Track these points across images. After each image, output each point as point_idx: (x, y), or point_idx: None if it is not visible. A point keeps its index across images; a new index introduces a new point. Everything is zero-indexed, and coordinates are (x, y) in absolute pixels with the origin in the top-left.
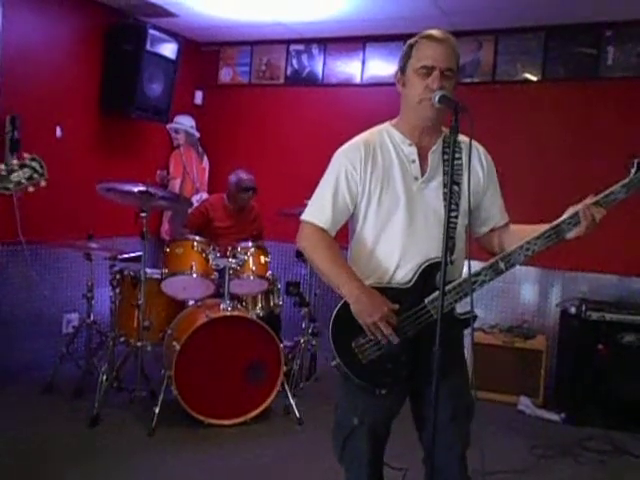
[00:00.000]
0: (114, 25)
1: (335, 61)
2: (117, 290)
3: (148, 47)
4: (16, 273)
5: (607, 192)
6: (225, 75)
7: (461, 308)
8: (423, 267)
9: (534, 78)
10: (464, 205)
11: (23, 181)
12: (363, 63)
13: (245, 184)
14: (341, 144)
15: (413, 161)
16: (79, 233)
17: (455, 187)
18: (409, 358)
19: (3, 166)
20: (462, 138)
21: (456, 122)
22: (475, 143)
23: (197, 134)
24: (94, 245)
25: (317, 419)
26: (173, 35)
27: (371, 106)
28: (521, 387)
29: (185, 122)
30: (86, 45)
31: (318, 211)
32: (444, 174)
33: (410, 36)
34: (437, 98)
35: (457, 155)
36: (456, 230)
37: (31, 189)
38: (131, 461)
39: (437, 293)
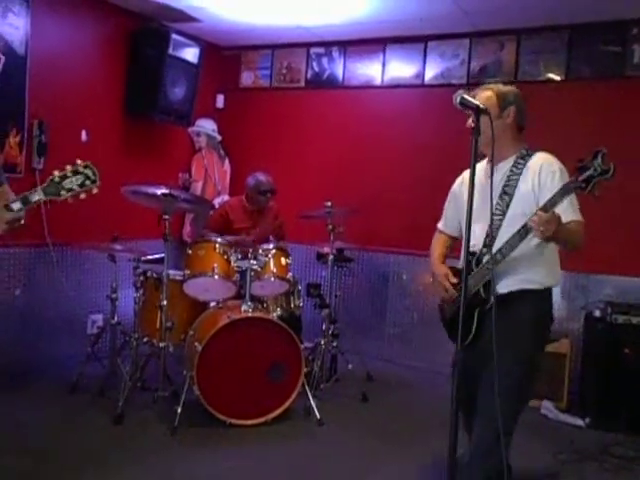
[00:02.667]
0: (138, 30)
1: (355, 63)
2: (140, 291)
3: (171, 51)
4: (43, 274)
5: (550, 197)
6: (246, 79)
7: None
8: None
9: (557, 78)
10: (510, 211)
11: (75, 188)
12: (383, 65)
13: (263, 186)
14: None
15: None
16: (104, 235)
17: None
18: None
19: (57, 172)
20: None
21: (477, 124)
22: (544, 158)
23: (219, 137)
24: (118, 247)
25: (337, 420)
26: (195, 39)
27: (392, 108)
28: (544, 391)
29: (207, 125)
30: (111, 50)
31: None
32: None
33: (431, 37)
34: (457, 100)
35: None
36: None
37: (83, 196)
38: (154, 459)
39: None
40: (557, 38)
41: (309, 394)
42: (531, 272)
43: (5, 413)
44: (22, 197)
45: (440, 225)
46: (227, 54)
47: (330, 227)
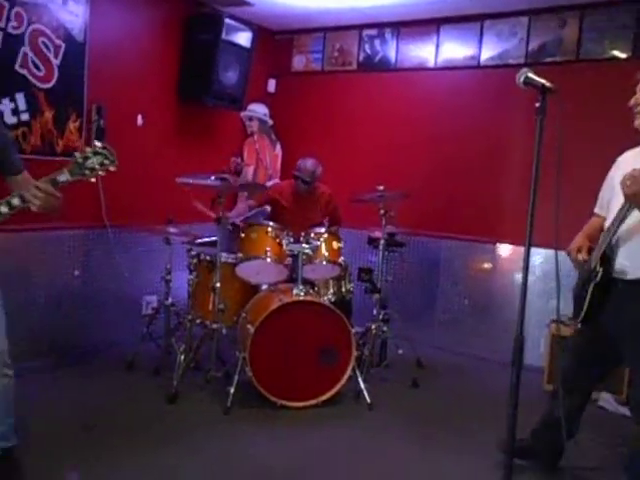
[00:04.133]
0: (192, 15)
1: (408, 45)
2: (194, 274)
3: (224, 36)
4: (100, 256)
5: None
6: (298, 62)
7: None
8: None
9: (623, 55)
10: None
11: (96, 167)
12: (437, 46)
13: (300, 173)
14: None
15: None
16: (159, 218)
17: None
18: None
19: (78, 154)
20: None
21: (543, 103)
22: None
23: (270, 121)
24: (173, 230)
25: (387, 405)
26: (248, 24)
27: (445, 90)
28: (603, 383)
29: (259, 110)
30: (165, 35)
31: None
32: None
33: (487, 16)
34: (522, 79)
35: None
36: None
37: (101, 173)
38: (207, 438)
39: None
40: (624, 13)
41: (359, 378)
42: None
43: (65, 390)
44: (50, 178)
45: (595, 208)
46: (279, 38)
47: (382, 211)
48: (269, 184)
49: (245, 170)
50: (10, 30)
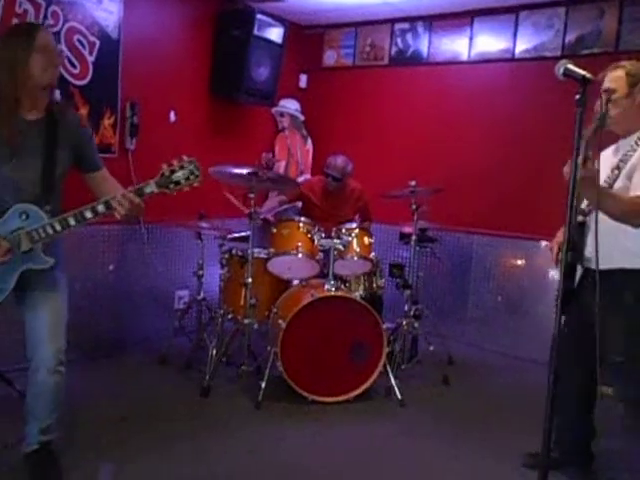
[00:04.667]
0: (224, 11)
1: (441, 38)
2: (226, 269)
3: (256, 32)
4: (134, 251)
5: None
6: (329, 58)
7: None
8: None
9: None
10: (616, 184)
11: (182, 181)
12: (471, 39)
13: (330, 170)
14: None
15: None
16: (191, 214)
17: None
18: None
19: (165, 166)
20: None
21: (583, 95)
22: None
23: (302, 117)
24: (205, 225)
25: (418, 402)
26: (279, 19)
27: (478, 84)
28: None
29: (290, 105)
30: (198, 32)
31: None
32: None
33: (522, 7)
34: (561, 70)
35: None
36: None
37: (186, 189)
38: (239, 432)
39: None
40: None
41: (390, 374)
42: (628, 243)
43: (100, 382)
44: (137, 189)
45: None
46: (310, 33)
47: (414, 207)
48: (300, 179)
49: (276, 165)
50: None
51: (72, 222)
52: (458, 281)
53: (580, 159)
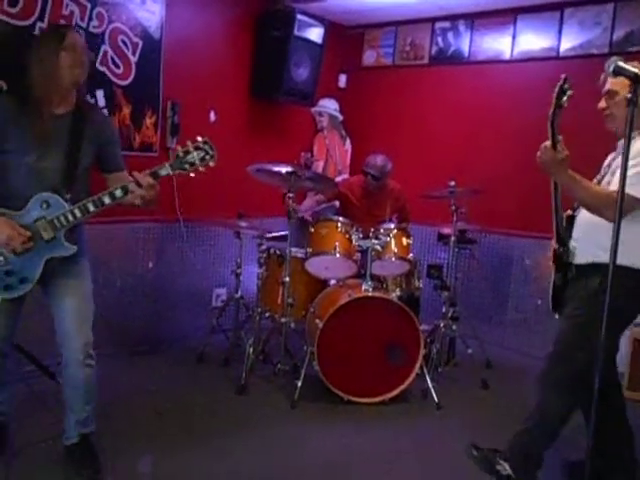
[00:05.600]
0: (264, 12)
1: (483, 37)
2: (263, 267)
3: (296, 32)
4: (173, 249)
5: None
6: (369, 57)
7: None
8: None
9: None
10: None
11: (197, 162)
12: (513, 37)
13: (369, 168)
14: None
15: None
16: (230, 212)
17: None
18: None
19: (180, 148)
20: None
21: (635, 94)
22: None
23: (340, 117)
24: (243, 224)
25: (455, 405)
26: (319, 19)
27: (521, 83)
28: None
29: (329, 105)
30: (238, 32)
31: None
32: None
33: (568, 4)
34: (611, 68)
35: None
36: None
37: (201, 169)
38: (275, 430)
39: None
40: None
41: (427, 377)
42: (604, 237)
43: (139, 378)
44: (152, 171)
45: None
46: (350, 33)
47: (453, 207)
48: (338, 179)
49: (315, 165)
50: (92, 29)
51: (91, 208)
52: (497, 283)
53: (549, 142)
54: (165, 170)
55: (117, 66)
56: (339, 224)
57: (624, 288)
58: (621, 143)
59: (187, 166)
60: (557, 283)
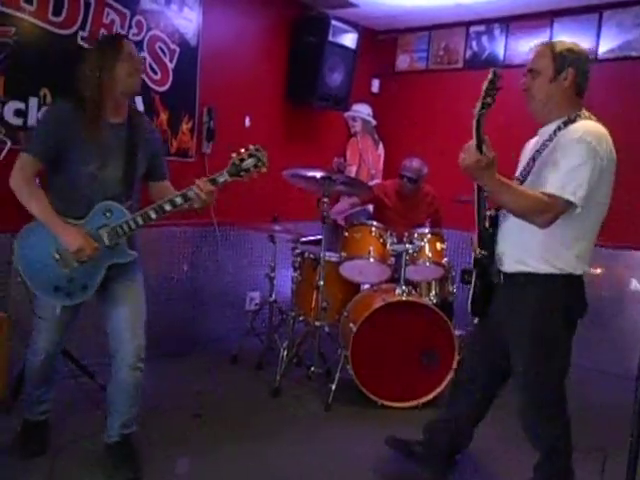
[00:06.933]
0: (299, 18)
1: (518, 40)
2: (298, 271)
3: (330, 38)
4: (208, 252)
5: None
6: (402, 62)
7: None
8: None
9: None
10: (529, 178)
11: (251, 168)
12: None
13: (405, 171)
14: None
15: None
16: (264, 216)
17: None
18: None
19: (235, 155)
20: (574, 126)
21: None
22: (582, 126)
23: (374, 122)
24: (278, 228)
25: (490, 412)
26: (353, 25)
27: None
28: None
29: (362, 110)
30: (273, 39)
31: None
32: None
33: (606, 6)
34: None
35: None
36: None
37: (255, 176)
38: (308, 433)
39: None
40: None
41: None
42: (534, 244)
43: (174, 379)
44: (211, 179)
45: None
46: (383, 38)
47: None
48: (371, 184)
49: (348, 170)
50: (131, 37)
51: (153, 215)
52: None
53: (473, 143)
54: (223, 177)
55: (155, 72)
56: (373, 228)
57: (566, 295)
58: (541, 131)
59: (243, 173)
60: (477, 290)
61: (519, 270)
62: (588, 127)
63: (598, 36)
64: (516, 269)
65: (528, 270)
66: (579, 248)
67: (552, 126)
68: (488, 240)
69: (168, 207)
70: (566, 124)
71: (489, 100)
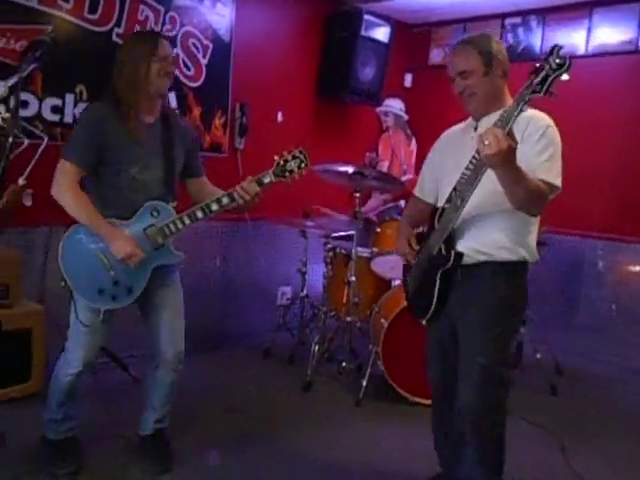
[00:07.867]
0: (332, 12)
1: (555, 32)
2: (329, 267)
3: (363, 32)
4: (240, 247)
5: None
6: (436, 56)
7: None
8: None
9: None
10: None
11: (295, 170)
12: (589, 31)
13: None
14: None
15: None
16: (296, 212)
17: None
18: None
19: (277, 157)
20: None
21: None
22: (536, 113)
23: (406, 117)
24: (309, 223)
25: (523, 411)
26: (386, 18)
27: (597, 79)
28: None
29: (395, 105)
30: (306, 34)
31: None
32: None
33: None
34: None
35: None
36: None
37: (297, 177)
38: (339, 429)
39: None
40: None
41: None
42: (498, 235)
43: (207, 374)
44: (257, 179)
45: (415, 191)
46: (416, 31)
47: None
48: (403, 179)
49: (379, 165)
50: (165, 33)
51: (200, 215)
52: (568, 287)
53: (506, 129)
54: (268, 178)
55: (188, 68)
56: None
57: (525, 282)
58: (483, 122)
59: (287, 174)
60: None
61: (483, 260)
62: (543, 115)
63: (639, 26)
64: (479, 259)
65: (493, 259)
66: (535, 235)
67: (490, 118)
68: (437, 235)
69: (215, 207)
70: (515, 114)
71: (537, 89)
